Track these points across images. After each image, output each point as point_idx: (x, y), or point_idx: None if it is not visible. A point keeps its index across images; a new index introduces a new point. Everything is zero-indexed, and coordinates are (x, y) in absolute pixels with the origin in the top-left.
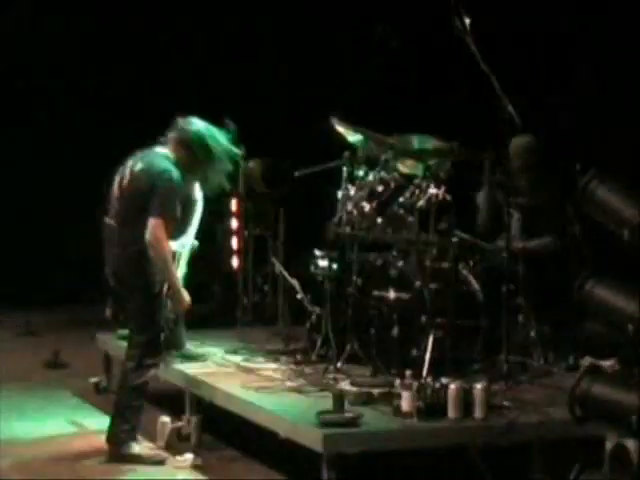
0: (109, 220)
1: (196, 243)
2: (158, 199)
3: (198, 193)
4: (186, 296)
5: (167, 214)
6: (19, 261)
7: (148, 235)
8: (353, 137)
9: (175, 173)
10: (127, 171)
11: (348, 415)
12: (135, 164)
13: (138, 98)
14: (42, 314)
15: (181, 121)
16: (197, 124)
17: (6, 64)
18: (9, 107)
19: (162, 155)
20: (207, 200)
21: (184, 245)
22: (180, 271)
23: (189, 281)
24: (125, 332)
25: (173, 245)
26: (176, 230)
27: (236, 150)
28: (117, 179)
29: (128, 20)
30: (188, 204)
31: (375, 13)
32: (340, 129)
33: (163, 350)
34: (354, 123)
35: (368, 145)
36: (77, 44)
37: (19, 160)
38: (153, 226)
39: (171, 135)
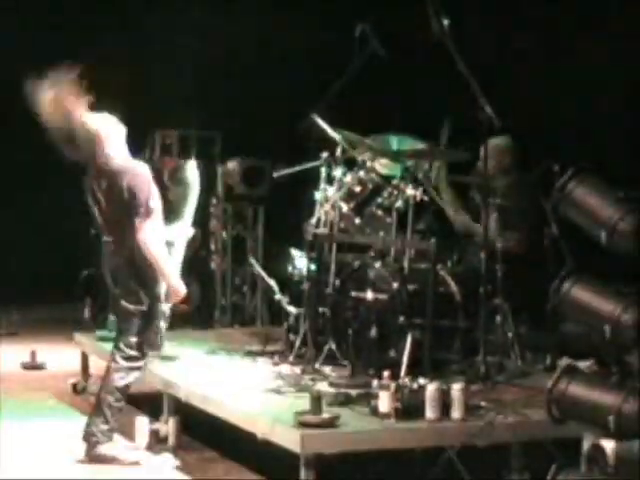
0: (105, 237)
1: (191, 230)
2: (136, 198)
3: (194, 175)
4: (182, 288)
5: (149, 209)
6: None
7: (138, 238)
8: (334, 134)
9: (140, 165)
10: (100, 182)
11: (326, 416)
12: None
13: None
14: (19, 313)
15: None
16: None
17: None
18: None
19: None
20: None
21: (179, 232)
22: (176, 259)
23: None
24: (104, 333)
25: (168, 233)
26: (170, 215)
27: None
28: (93, 186)
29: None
30: (182, 187)
31: (356, 13)
32: (322, 125)
33: (148, 353)
34: (333, 123)
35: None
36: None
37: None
38: (140, 228)
39: None
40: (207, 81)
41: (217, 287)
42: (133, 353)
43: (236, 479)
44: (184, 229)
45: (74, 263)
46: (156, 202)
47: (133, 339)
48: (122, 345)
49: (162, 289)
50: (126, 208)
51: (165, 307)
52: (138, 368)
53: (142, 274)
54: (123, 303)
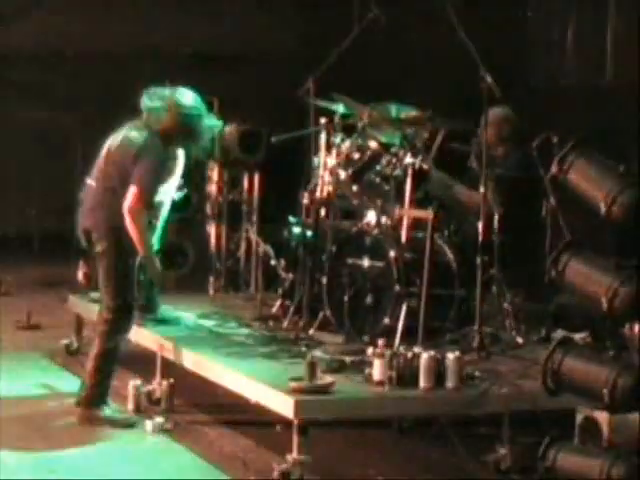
0: (90, 181)
1: (178, 194)
2: (141, 170)
3: (179, 158)
4: (158, 265)
5: (148, 185)
6: None
7: (126, 203)
8: (332, 105)
9: (161, 148)
10: (119, 137)
11: (320, 382)
12: (127, 132)
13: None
14: (13, 274)
15: (169, 91)
16: (184, 96)
17: None
18: None
19: (149, 127)
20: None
21: (167, 194)
22: (161, 219)
23: (163, 246)
24: (97, 295)
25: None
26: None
27: (215, 123)
28: (107, 144)
29: None
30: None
31: None
32: (315, 101)
33: (134, 314)
34: (332, 89)
35: (347, 112)
36: None
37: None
38: (133, 195)
39: (156, 104)
40: (208, 45)
41: (212, 252)
42: (117, 315)
43: (228, 443)
44: (171, 191)
45: (70, 223)
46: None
47: (115, 301)
48: (106, 307)
49: (136, 258)
50: (127, 172)
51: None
52: (125, 329)
53: (118, 234)
54: (99, 264)
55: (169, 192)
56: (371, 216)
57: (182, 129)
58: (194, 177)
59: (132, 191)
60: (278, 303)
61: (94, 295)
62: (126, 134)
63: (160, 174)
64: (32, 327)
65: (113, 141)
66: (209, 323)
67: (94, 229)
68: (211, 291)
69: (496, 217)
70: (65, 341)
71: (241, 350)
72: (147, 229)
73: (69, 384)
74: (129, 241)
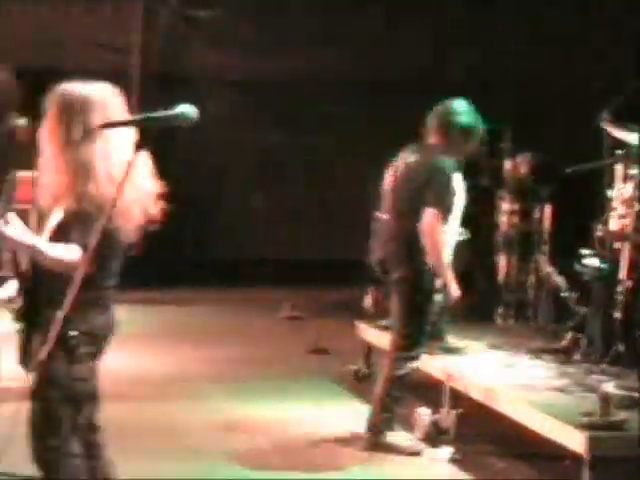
0: (382, 214)
1: (462, 233)
2: (435, 191)
3: (460, 183)
4: (456, 289)
5: (443, 206)
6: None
7: (424, 225)
8: (628, 136)
9: (449, 165)
10: (401, 164)
11: (614, 418)
12: (409, 157)
13: None
14: (305, 297)
15: (441, 107)
16: (454, 110)
17: None
18: None
19: (434, 147)
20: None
21: (451, 234)
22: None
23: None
24: (386, 322)
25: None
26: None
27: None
28: (391, 172)
29: None
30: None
31: None
32: (612, 130)
33: (426, 342)
34: (629, 120)
35: None
36: None
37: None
38: (430, 216)
39: (434, 122)
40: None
41: (501, 281)
42: (409, 342)
43: (515, 476)
44: (455, 231)
45: (364, 250)
46: (448, 205)
47: (408, 328)
48: (397, 335)
49: (436, 281)
50: (418, 196)
51: (439, 298)
52: (417, 357)
53: (414, 261)
54: (395, 291)
55: (452, 230)
56: None
57: (452, 140)
58: (482, 206)
59: (428, 213)
60: (569, 336)
61: (383, 322)
62: (413, 157)
63: (452, 194)
64: (321, 351)
65: (397, 170)
66: (498, 353)
67: (389, 259)
68: (499, 321)
69: None
70: (354, 367)
71: (531, 382)
72: (445, 251)
73: (357, 410)
74: (425, 268)
